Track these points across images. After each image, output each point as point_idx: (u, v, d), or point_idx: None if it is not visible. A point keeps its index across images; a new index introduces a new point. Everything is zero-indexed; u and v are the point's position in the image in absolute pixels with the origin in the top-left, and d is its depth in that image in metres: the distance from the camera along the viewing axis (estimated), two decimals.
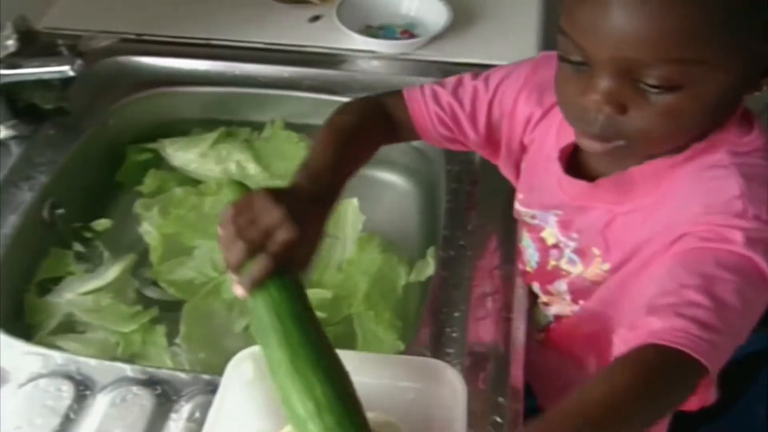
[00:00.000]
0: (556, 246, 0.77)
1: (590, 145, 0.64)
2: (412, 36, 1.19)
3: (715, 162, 0.64)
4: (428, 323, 0.80)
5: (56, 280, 0.97)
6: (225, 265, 0.61)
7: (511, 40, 1.18)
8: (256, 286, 0.59)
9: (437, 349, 0.77)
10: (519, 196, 0.81)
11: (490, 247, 0.88)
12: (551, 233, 0.77)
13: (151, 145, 1.13)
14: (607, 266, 0.72)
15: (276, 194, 0.63)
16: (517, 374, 0.75)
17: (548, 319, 0.84)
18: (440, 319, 0.80)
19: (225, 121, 1.15)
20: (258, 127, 1.15)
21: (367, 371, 0.62)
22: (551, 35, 1.19)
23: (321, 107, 1.12)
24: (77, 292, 0.95)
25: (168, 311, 0.96)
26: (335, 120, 0.77)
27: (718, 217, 0.61)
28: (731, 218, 0.60)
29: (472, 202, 0.93)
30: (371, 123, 0.79)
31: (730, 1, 0.55)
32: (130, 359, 0.89)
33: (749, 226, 0.60)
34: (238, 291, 0.60)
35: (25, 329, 0.91)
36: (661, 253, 0.64)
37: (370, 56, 1.16)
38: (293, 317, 0.56)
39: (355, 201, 1.07)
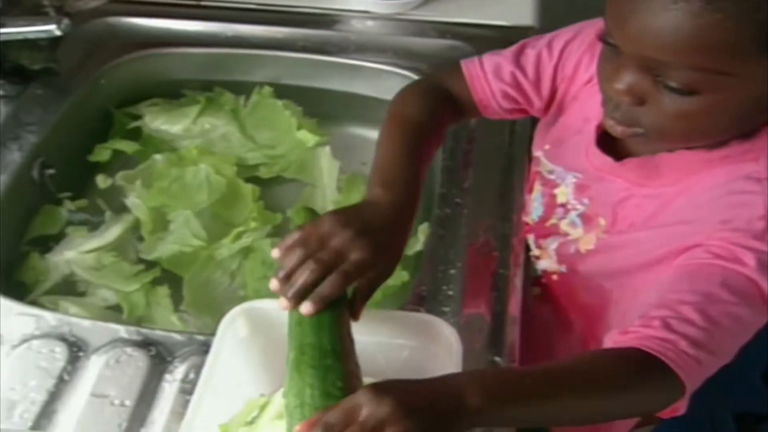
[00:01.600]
0: (563, 205, 0.77)
1: (612, 127, 0.64)
2: None
3: (751, 173, 0.63)
4: (424, 281, 0.79)
5: (55, 239, 0.97)
6: (290, 285, 0.58)
7: None
8: (325, 303, 0.58)
9: (433, 307, 0.76)
10: (545, 146, 0.81)
11: (487, 204, 0.87)
12: (564, 192, 0.77)
13: (135, 112, 1.12)
14: (604, 236, 0.72)
15: (345, 215, 0.61)
16: (513, 333, 0.75)
17: (536, 272, 0.84)
18: (436, 277, 0.79)
19: (217, 82, 1.14)
20: (250, 88, 1.14)
21: (362, 328, 0.62)
22: None
23: (315, 68, 1.11)
24: (78, 251, 0.95)
25: (171, 272, 0.96)
26: (400, 113, 0.74)
27: (735, 234, 0.60)
28: (749, 239, 0.60)
29: (469, 160, 0.93)
30: (438, 109, 0.76)
31: (763, 17, 0.52)
32: (136, 323, 0.89)
33: (765, 249, 0.59)
34: (305, 308, 0.57)
35: (16, 290, 0.91)
36: (669, 256, 0.64)
37: (364, 16, 1.14)
38: (312, 325, 0.58)
39: (327, 149, 1.07)
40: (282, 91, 1.12)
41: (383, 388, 0.48)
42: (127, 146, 1.08)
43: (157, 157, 1.06)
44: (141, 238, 0.99)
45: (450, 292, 0.78)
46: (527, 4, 1.15)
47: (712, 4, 0.52)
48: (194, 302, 0.92)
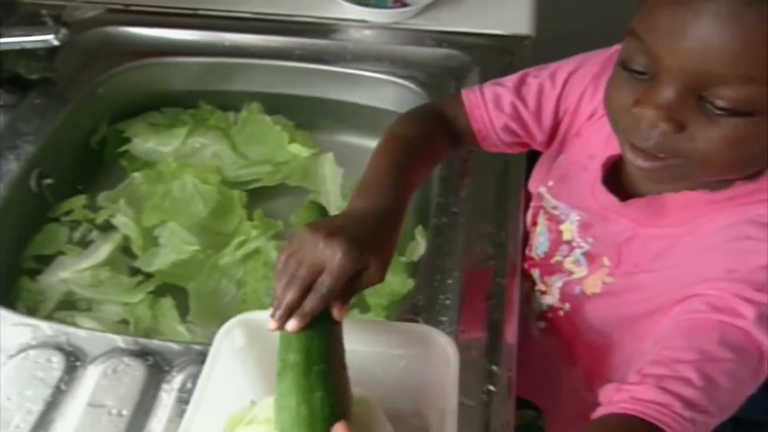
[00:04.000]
0: (568, 243, 0.76)
1: (636, 161, 0.58)
2: (404, 5, 1.17)
3: (756, 217, 0.60)
4: (421, 290, 0.79)
5: (46, 260, 0.96)
6: (278, 299, 0.59)
7: (504, 8, 1.17)
8: (307, 319, 0.57)
9: (430, 317, 0.76)
10: (549, 183, 0.79)
11: (484, 214, 0.87)
12: (569, 229, 0.75)
13: (125, 131, 1.12)
14: (611, 280, 0.71)
15: (315, 224, 0.60)
16: (510, 342, 0.75)
17: (542, 307, 0.83)
18: (433, 286, 0.79)
19: (214, 91, 1.14)
20: (247, 97, 1.14)
21: (359, 339, 0.62)
22: (544, 3, 1.19)
23: (312, 77, 1.11)
24: (72, 270, 0.94)
25: (173, 283, 0.95)
26: (393, 133, 0.73)
27: (736, 285, 0.58)
28: (749, 290, 0.57)
29: (466, 169, 0.93)
30: (432, 134, 0.74)
31: None
32: (144, 335, 0.88)
33: (765, 301, 0.57)
34: (290, 325, 0.57)
35: (13, 303, 0.91)
36: (671, 303, 0.62)
37: (361, 25, 1.14)
38: (298, 340, 0.58)
39: (330, 155, 1.08)
40: (279, 101, 1.13)
41: None
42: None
43: (136, 175, 1.06)
44: (132, 254, 0.98)
45: (447, 302, 0.78)
46: (524, 13, 1.16)
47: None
48: (200, 312, 0.92)
